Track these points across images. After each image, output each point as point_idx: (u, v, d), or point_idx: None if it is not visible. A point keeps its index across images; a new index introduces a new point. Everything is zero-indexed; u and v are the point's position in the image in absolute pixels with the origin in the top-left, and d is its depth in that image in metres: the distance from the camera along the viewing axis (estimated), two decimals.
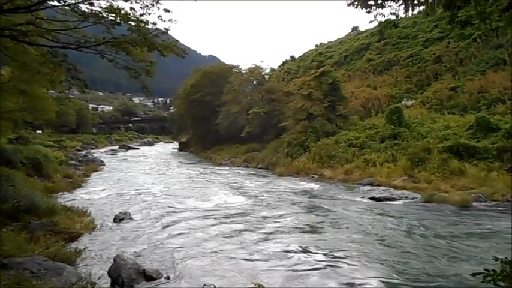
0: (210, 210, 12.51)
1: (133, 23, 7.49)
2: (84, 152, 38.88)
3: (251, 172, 24.42)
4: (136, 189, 16.81)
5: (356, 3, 4.95)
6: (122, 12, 7.28)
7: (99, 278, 6.59)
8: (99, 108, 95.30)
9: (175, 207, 12.86)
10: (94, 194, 15.47)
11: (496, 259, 3.47)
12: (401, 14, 5.18)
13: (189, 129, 49.13)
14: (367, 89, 32.03)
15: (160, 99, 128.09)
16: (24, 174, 14.26)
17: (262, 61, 60.89)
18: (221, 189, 17.13)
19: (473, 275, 3.32)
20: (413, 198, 13.82)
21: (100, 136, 66.42)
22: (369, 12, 4.97)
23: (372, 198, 14.11)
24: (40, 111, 17.78)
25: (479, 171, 15.20)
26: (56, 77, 9.56)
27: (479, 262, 7.09)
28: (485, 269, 3.24)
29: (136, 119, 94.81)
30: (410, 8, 5.34)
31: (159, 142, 76.75)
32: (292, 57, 58.03)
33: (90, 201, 13.64)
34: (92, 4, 7.25)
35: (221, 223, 10.70)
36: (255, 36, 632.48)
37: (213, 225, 10.45)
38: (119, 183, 18.96)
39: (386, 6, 4.91)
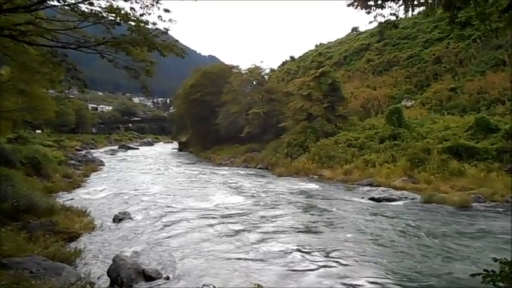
0: (210, 210, 12.52)
1: (133, 23, 7.48)
2: (83, 152, 38.86)
3: (250, 172, 24.42)
4: (136, 189, 16.80)
5: (356, 3, 4.94)
6: (122, 12, 7.27)
7: (99, 277, 6.60)
8: (98, 108, 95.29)
9: (174, 207, 12.86)
10: (93, 194, 15.46)
11: (495, 260, 3.47)
12: (401, 14, 5.19)
13: (189, 129, 49.13)
14: (366, 89, 32.05)
15: (160, 99, 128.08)
16: (23, 174, 14.25)
17: (262, 61, 61.05)
18: (220, 189, 17.13)
19: (473, 275, 3.32)
20: (412, 199, 13.83)
21: (100, 136, 66.40)
22: (368, 12, 4.98)
23: (372, 199, 14.12)
24: (39, 110, 17.77)
25: (478, 172, 15.21)
26: (55, 77, 9.56)
27: (477, 262, 7.12)
28: (485, 270, 3.24)
29: (135, 119, 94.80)
30: (410, 9, 5.34)
31: (158, 142, 76.75)
32: (292, 58, 58.06)
33: (90, 201, 13.63)
34: (91, 4, 7.24)
35: (220, 223, 10.70)
36: (254, 36, 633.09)
37: (212, 225, 10.46)
38: (118, 183, 18.95)
39: (386, 6, 4.91)
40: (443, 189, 14.45)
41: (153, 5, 7.40)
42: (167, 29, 7.81)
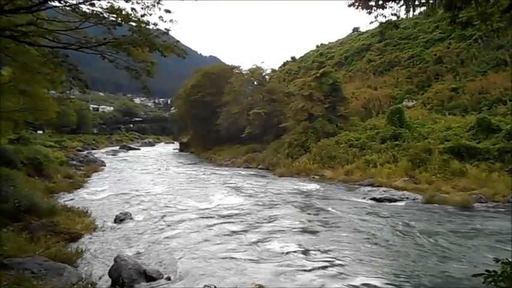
0: (211, 210, 12.52)
1: (134, 24, 7.48)
2: (85, 153, 38.91)
3: (251, 173, 24.41)
4: (137, 190, 16.81)
5: (357, 4, 4.95)
6: (123, 12, 7.27)
7: (100, 278, 6.60)
8: (99, 109, 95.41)
9: (175, 208, 12.87)
10: (95, 195, 15.47)
11: (497, 260, 3.47)
12: (402, 14, 5.20)
13: (190, 130, 49.18)
14: (367, 89, 32.02)
15: (161, 99, 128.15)
16: (24, 175, 14.29)
17: (263, 62, 60.66)
18: (221, 189, 17.13)
19: (474, 276, 3.32)
20: (414, 199, 13.80)
21: (101, 136, 66.50)
22: (369, 13, 4.98)
23: (373, 199, 14.10)
24: (41, 111, 17.78)
25: (480, 172, 15.17)
26: (56, 78, 9.56)
27: (478, 262, 7.09)
28: (486, 270, 3.24)
29: (137, 119, 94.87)
30: (411, 9, 5.35)
31: (159, 142, 76.83)
32: (293, 58, 58.11)
33: (91, 202, 13.64)
34: (93, 5, 7.25)
35: (222, 223, 10.70)
36: (256, 37, 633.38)
37: (213, 225, 10.45)
38: (119, 184, 18.97)
39: (387, 7, 4.91)
40: (444, 189, 14.42)
41: (154, 6, 7.40)
42: (168, 30, 7.82)
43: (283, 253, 8.04)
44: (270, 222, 10.92)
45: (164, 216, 11.55)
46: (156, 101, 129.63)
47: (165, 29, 7.79)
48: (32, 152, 18.26)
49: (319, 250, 8.27)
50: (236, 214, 11.96)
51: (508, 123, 17.14)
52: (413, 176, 16.51)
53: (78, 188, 17.07)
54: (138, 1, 7.32)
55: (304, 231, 10.04)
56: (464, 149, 16.79)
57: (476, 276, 3.27)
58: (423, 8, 5.50)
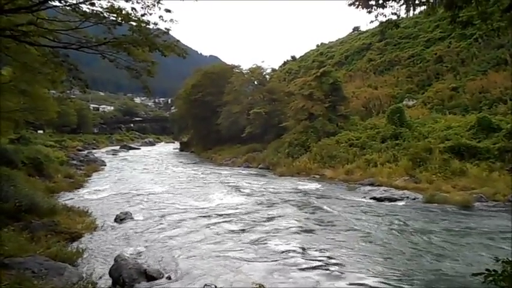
0: (211, 210, 12.52)
1: (134, 23, 7.49)
2: (85, 152, 38.95)
3: (252, 172, 24.42)
4: (137, 189, 16.82)
5: (357, 3, 4.95)
6: (123, 12, 7.27)
7: (100, 277, 6.61)
8: (100, 109, 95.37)
9: (176, 207, 12.87)
10: (95, 194, 15.49)
11: (497, 259, 3.46)
12: (403, 14, 5.20)
13: (190, 129, 49.15)
14: (368, 89, 31.99)
15: (161, 99, 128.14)
16: (25, 174, 14.32)
17: (263, 61, 61.00)
18: (222, 189, 17.13)
19: (475, 275, 3.31)
20: (414, 199, 13.80)
21: (101, 136, 66.54)
22: (370, 12, 4.98)
23: (373, 199, 14.10)
24: (41, 111, 17.80)
25: (480, 172, 15.16)
26: (57, 77, 9.56)
27: (479, 262, 7.09)
28: (487, 269, 3.24)
29: (137, 119, 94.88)
30: (412, 8, 5.35)
31: (160, 142, 76.83)
32: (293, 58, 58.06)
33: (91, 201, 13.66)
34: (93, 4, 7.25)
35: (222, 223, 10.71)
36: (256, 36, 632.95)
37: (213, 224, 10.46)
38: (120, 183, 18.98)
39: (388, 6, 4.92)
40: (445, 188, 14.41)
41: (154, 5, 7.41)
42: (168, 29, 7.82)
43: (282, 252, 8.06)
44: (269, 221, 10.93)
45: (164, 215, 11.56)
46: (157, 100, 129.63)
47: (165, 28, 7.80)
48: (33, 152, 18.28)
49: (317, 249, 8.29)
50: (236, 213, 11.96)
51: (509, 122, 17.12)
52: (413, 176, 16.50)
53: (79, 188, 17.09)
54: (138, 1, 7.34)
55: (303, 230, 10.04)
56: (464, 148, 16.78)
57: (477, 275, 3.26)
58: (423, 7, 5.50)
